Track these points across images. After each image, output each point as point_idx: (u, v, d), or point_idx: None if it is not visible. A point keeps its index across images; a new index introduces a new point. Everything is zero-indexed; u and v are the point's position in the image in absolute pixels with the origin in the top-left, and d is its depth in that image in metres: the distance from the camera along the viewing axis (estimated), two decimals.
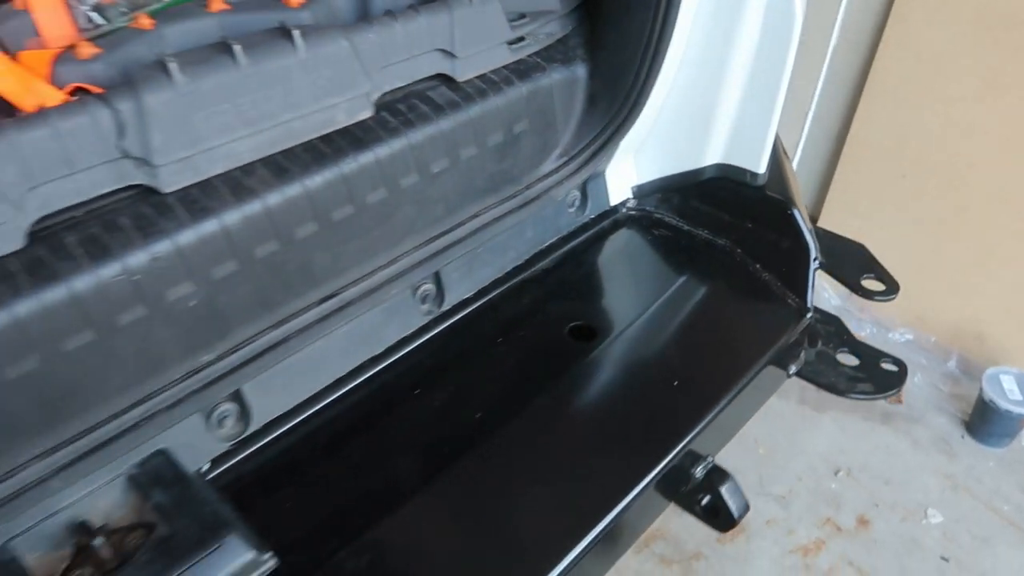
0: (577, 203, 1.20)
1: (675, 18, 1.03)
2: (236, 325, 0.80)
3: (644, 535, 1.25)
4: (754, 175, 1.15)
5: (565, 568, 0.76)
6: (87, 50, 0.74)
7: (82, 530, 0.67)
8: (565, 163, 1.10)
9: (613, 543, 0.84)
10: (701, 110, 1.14)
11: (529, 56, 1.04)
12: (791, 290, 1.14)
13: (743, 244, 1.19)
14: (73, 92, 0.72)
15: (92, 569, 0.66)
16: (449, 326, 1.02)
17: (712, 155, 1.18)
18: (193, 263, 0.74)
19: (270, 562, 0.69)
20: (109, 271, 0.68)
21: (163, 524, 0.70)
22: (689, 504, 0.95)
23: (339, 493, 0.82)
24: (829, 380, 1.17)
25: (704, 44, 1.08)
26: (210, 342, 0.78)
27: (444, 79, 0.96)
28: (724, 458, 1.00)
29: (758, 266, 1.17)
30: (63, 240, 0.68)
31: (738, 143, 1.15)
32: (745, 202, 1.18)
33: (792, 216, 1.14)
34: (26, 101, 0.70)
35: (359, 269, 0.91)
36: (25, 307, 0.64)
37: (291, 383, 0.87)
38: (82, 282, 0.67)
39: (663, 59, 1.06)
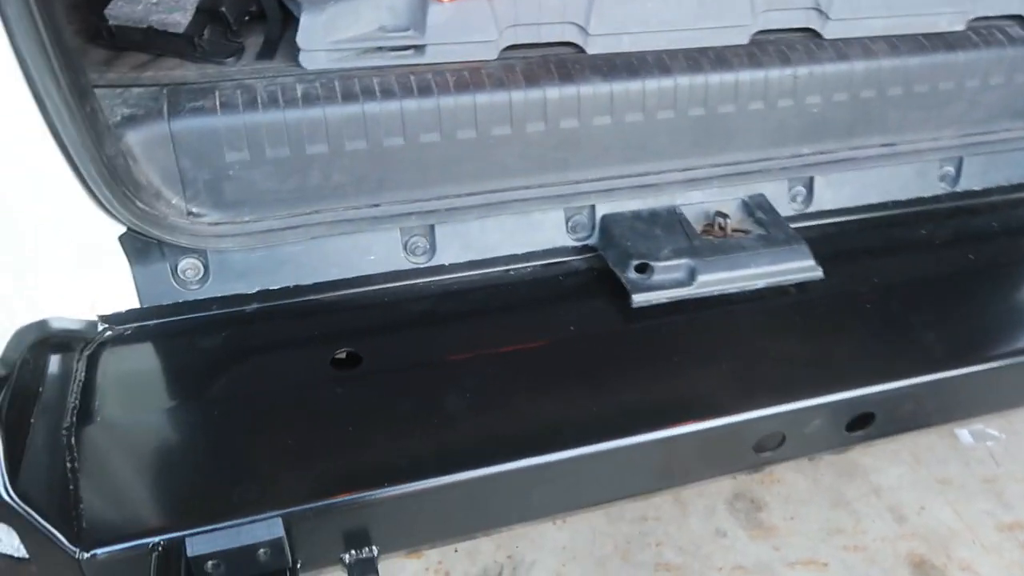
0: None
1: None
2: None
3: None
4: None
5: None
6: None
7: (718, 215, 1.18)
8: None
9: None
10: None
11: None
12: None
13: None
14: None
15: (719, 233, 1.17)
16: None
17: None
18: (615, 104, 1.11)
19: (818, 273, 1.13)
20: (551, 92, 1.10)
21: (758, 229, 1.18)
22: None
23: None
24: None
25: None
26: None
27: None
28: None
29: None
30: (514, 65, 1.11)
31: None
32: None
33: None
34: None
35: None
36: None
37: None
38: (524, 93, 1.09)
39: None
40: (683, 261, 1.11)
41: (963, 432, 2.04)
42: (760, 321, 1.09)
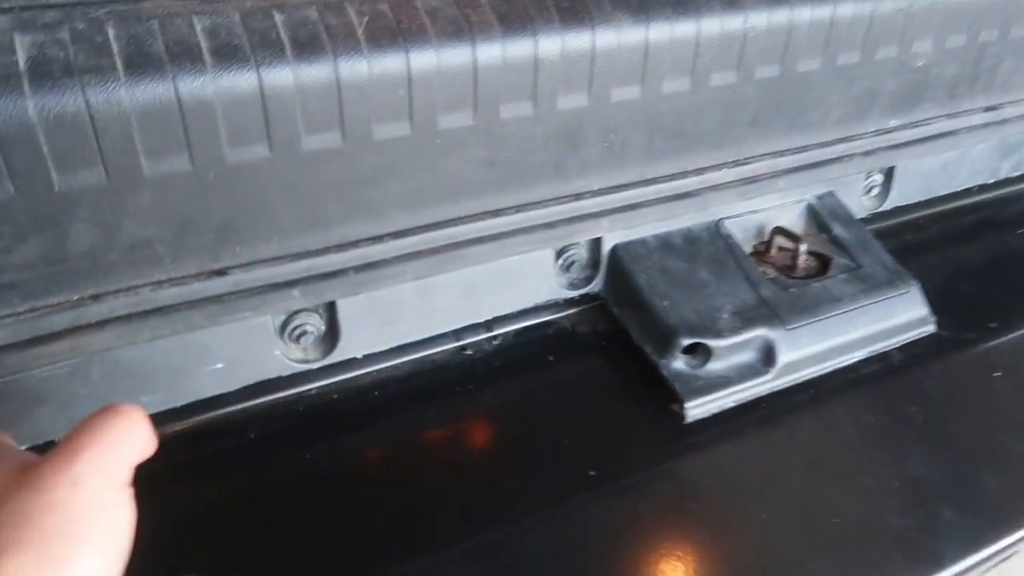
0: None
1: None
2: None
3: None
4: None
5: None
6: None
7: (779, 233, 0.77)
8: None
9: None
10: None
11: None
12: None
13: None
14: None
15: (784, 262, 0.76)
16: None
17: None
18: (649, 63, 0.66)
19: (931, 326, 0.76)
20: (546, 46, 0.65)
21: (841, 255, 0.78)
22: None
23: None
24: None
25: None
26: None
27: None
28: None
29: None
30: None
31: None
32: None
33: None
34: None
35: None
36: None
37: None
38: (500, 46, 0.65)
39: None
40: (755, 333, 0.69)
41: None
42: (868, 423, 0.71)
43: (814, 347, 0.69)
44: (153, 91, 0.47)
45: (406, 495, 0.59)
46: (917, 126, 0.84)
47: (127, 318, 0.52)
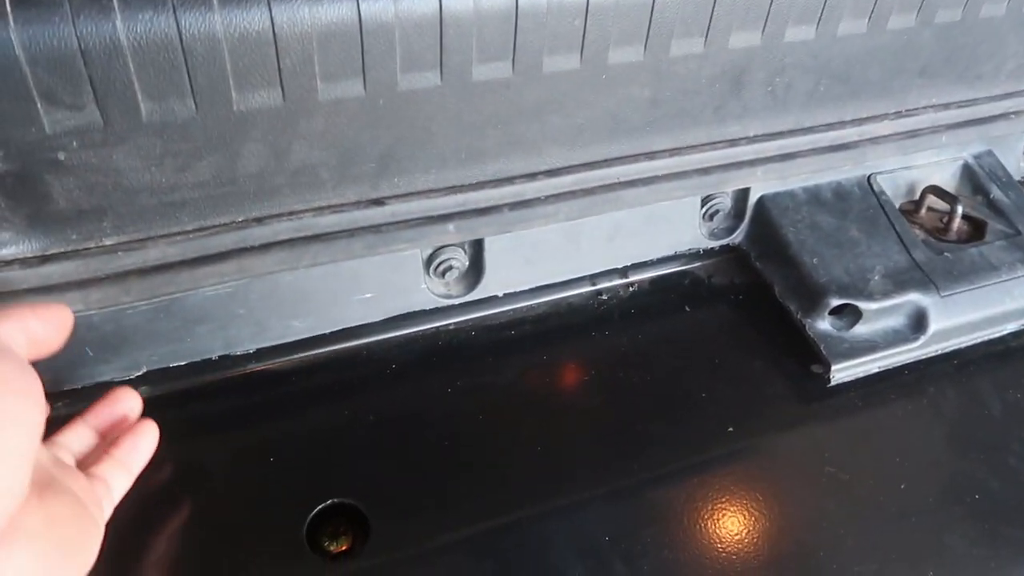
0: None
1: None
2: None
3: None
4: None
5: None
6: None
7: (932, 192, 0.72)
8: None
9: None
10: None
11: None
12: None
13: None
14: None
15: (933, 227, 0.72)
16: None
17: None
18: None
19: None
20: None
21: (998, 221, 0.74)
22: None
23: None
24: None
25: None
26: None
27: None
28: None
29: None
30: None
31: None
32: None
33: None
34: None
35: None
36: None
37: None
38: None
39: None
40: (908, 297, 0.66)
41: None
42: (1016, 399, 0.68)
43: (967, 316, 0.65)
44: (336, 11, 0.45)
45: (540, 434, 0.59)
46: None
47: (290, 243, 0.52)
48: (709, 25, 0.55)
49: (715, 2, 0.54)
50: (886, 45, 0.64)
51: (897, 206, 0.74)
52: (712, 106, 0.60)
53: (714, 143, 0.62)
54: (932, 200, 0.73)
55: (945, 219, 0.71)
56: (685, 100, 0.59)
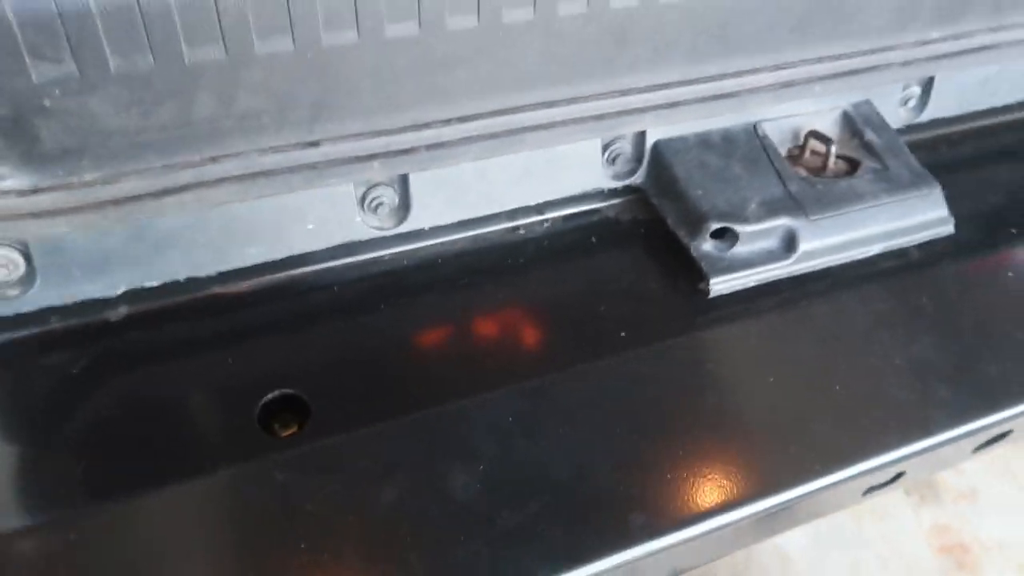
0: None
1: None
2: None
3: None
4: None
5: None
6: None
7: (812, 136, 0.82)
8: None
9: None
10: None
11: None
12: None
13: None
14: None
15: (815, 165, 0.82)
16: None
17: None
18: None
19: (950, 227, 0.81)
20: None
21: (870, 160, 0.84)
22: None
23: None
24: None
25: None
26: None
27: None
28: None
29: None
30: None
31: None
32: None
33: None
34: None
35: None
36: None
37: None
38: None
39: None
40: (780, 222, 0.76)
41: None
42: (879, 310, 0.78)
43: (834, 238, 0.75)
44: None
45: (459, 342, 0.69)
46: (959, 38, 0.88)
47: (239, 178, 0.62)
48: None
49: None
50: (758, 5, 0.74)
51: (785, 151, 0.84)
52: (601, 59, 0.71)
53: (606, 93, 0.73)
54: (814, 144, 0.83)
55: (823, 158, 0.81)
56: (576, 54, 0.69)
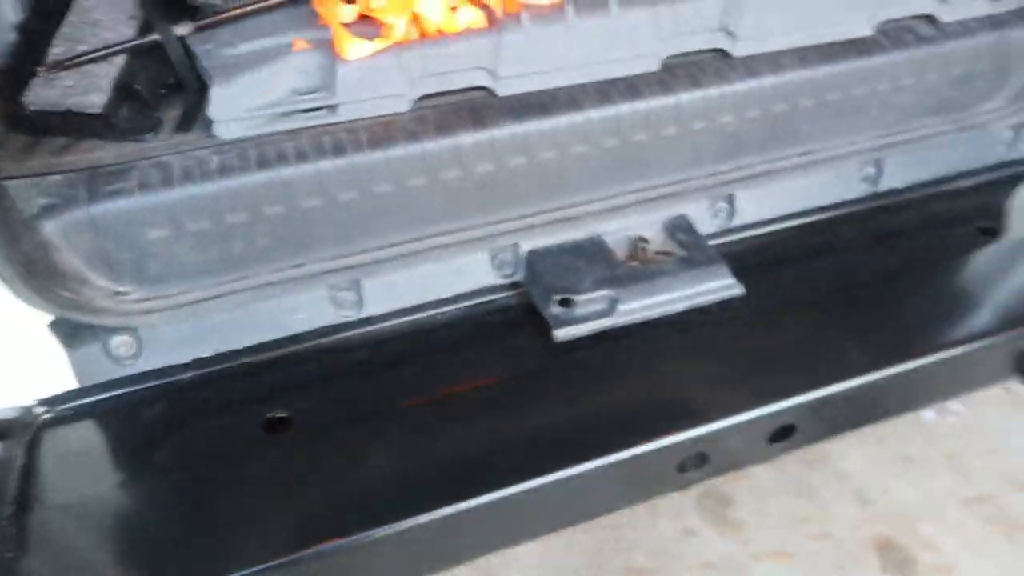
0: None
1: None
2: None
3: None
4: None
5: None
6: None
7: (639, 240, 1.21)
8: None
9: None
10: None
11: None
12: None
13: None
14: None
15: (643, 258, 1.20)
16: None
17: None
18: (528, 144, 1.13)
19: (739, 289, 1.16)
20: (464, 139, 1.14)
21: (680, 251, 1.21)
22: None
23: None
24: None
25: None
26: None
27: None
28: None
29: None
30: (426, 115, 1.12)
31: None
32: None
33: None
34: None
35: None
36: None
37: None
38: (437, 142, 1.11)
39: None
40: (604, 292, 1.14)
41: (926, 411, 2.09)
42: (679, 344, 1.13)
43: (644, 300, 1.13)
44: (265, 178, 1.03)
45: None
46: (742, 169, 1.28)
47: (257, 287, 1.06)
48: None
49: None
50: (578, 162, 1.17)
51: (624, 251, 1.23)
52: (481, 202, 1.14)
53: (491, 223, 1.16)
54: (642, 244, 1.22)
55: (645, 254, 1.19)
56: (462, 200, 1.13)
